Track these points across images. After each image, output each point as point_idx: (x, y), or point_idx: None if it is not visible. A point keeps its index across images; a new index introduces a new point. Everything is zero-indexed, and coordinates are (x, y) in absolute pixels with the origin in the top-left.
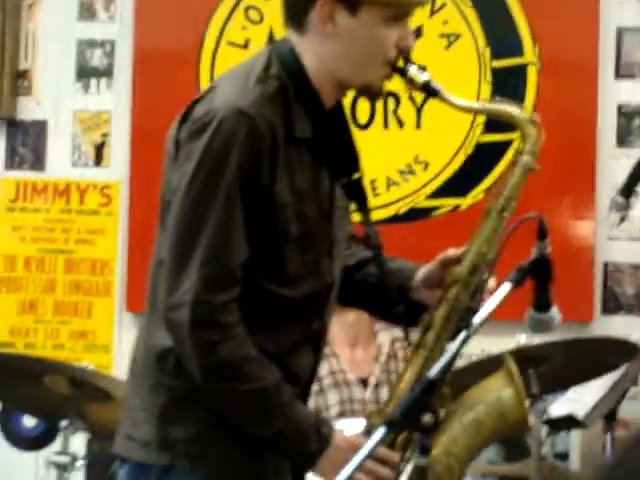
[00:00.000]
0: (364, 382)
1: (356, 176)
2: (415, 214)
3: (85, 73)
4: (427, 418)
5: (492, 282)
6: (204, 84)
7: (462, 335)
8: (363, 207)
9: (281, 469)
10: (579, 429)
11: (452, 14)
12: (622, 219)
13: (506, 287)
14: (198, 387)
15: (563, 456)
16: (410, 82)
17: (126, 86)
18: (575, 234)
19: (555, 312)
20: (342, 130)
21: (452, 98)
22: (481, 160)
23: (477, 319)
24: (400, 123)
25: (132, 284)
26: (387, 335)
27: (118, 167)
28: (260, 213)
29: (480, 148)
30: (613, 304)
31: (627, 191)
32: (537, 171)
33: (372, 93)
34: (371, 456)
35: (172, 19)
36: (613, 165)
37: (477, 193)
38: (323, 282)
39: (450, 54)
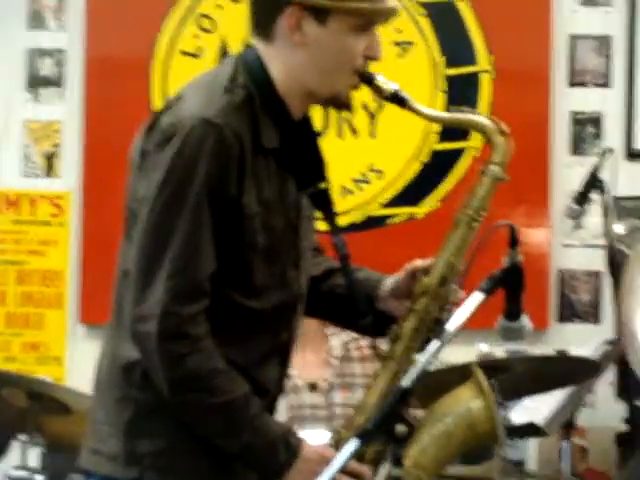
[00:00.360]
0: (313, 387)
1: (322, 186)
2: (370, 223)
3: (35, 82)
4: (400, 428)
5: (461, 293)
6: (156, 93)
7: (435, 344)
8: (330, 217)
9: None
10: (538, 437)
11: (405, 22)
12: (576, 226)
13: (478, 296)
14: (165, 400)
15: (519, 464)
16: (378, 91)
17: (77, 95)
18: (530, 242)
19: (526, 320)
20: (309, 140)
21: (420, 108)
22: (436, 168)
23: (450, 328)
24: (354, 132)
25: (85, 295)
26: (339, 338)
27: (69, 177)
28: (227, 224)
29: (435, 156)
30: (568, 312)
31: (582, 198)
32: (506, 181)
33: (339, 103)
34: (342, 470)
35: (123, 27)
36: (567, 173)
37: (432, 201)
38: (290, 293)
39: (404, 62)
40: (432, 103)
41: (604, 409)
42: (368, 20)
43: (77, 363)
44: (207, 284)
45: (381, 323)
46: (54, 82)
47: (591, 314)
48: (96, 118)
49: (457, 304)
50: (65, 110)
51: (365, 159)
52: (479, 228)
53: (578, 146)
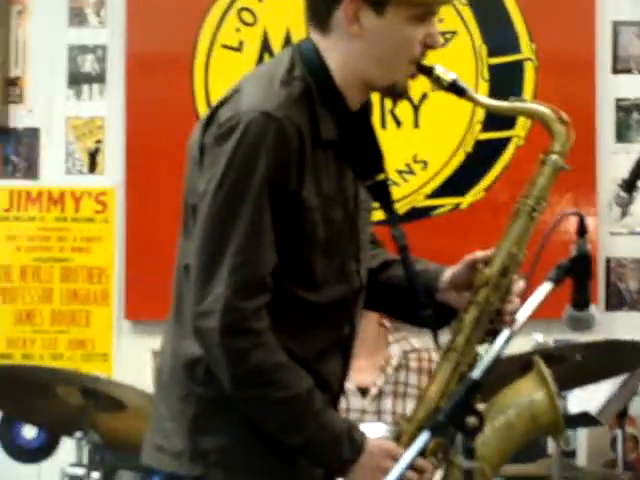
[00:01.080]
0: (363, 391)
1: (381, 177)
2: (415, 214)
3: (77, 79)
4: (472, 420)
5: (521, 284)
6: (198, 88)
7: (505, 334)
8: (389, 208)
9: (315, 477)
10: (592, 426)
11: (448, 12)
12: (623, 214)
13: (547, 286)
14: (229, 396)
15: (570, 454)
16: (437, 81)
17: (119, 92)
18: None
19: (593, 310)
20: (367, 131)
21: (479, 97)
22: (480, 158)
23: (521, 318)
24: (397, 122)
25: (130, 291)
26: (399, 347)
27: (113, 174)
28: (288, 217)
29: (479, 146)
30: (616, 300)
31: (630, 186)
32: (567, 170)
33: (397, 93)
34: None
35: (164, 23)
36: (613, 160)
37: (477, 191)
38: (350, 286)
39: (446, 52)
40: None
41: None
42: (425, 10)
43: (124, 359)
44: (269, 278)
45: (441, 315)
46: (96, 79)
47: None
48: (138, 114)
49: (518, 295)
50: (107, 106)
51: (409, 150)
52: (539, 218)
53: (624, 133)
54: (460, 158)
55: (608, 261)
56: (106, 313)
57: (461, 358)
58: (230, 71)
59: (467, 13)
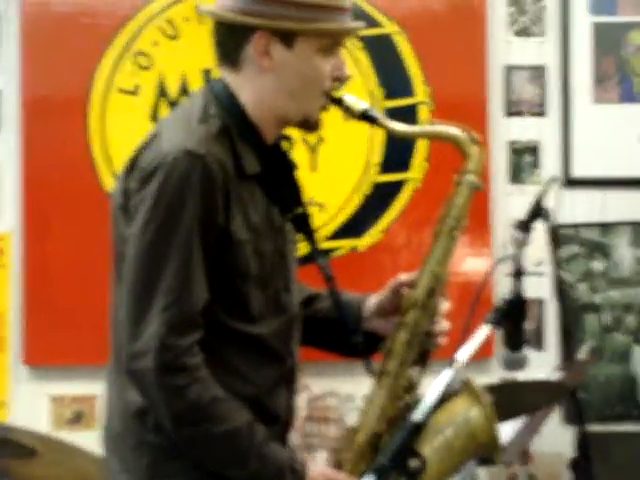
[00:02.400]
0: None
1: (301, 210)
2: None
3: None
4: (414, 463)
5: (446, 304)
6: (94, 132)
7: (446, 374)
8: (312, 240)
9: None
10: (490, 465)
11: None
12: (517, 255)
13: (486, 329)
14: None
15: None
16: (348, 111)
17: (14, 136)
18: (472, 270)
19: (526, 351)
20: (284, 165)
21: (391, 124)
22: (377, 201)
23: (461, 358)
24: (294, 165)
25: (28, 337)
26: (302, 397)
27: (9, 218)
28: (219, 252)
29: (376, 189)
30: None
31: (526, 227)
32: (481, 189)
33: (310, 125)
34: None
35: (59, 67)
36: (507, 202)
37: (374, 234)
38: (287, 317)
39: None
40: (371, 135)
41: (551, 435)
42: (333, 41)
43: (21, 405)
44: (200, 315)
45: (368, 343)
46: None
47: (535, 341)
48: (34, 159)
49: (444, 315)
50: (2, 151)
51: (306, 193)
52: (459, 236)
53: (517, 175)
54: (357, 200)
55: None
56: (2, 359)
57: (395, 382)
58: (126, 115)
59: (362, 57)
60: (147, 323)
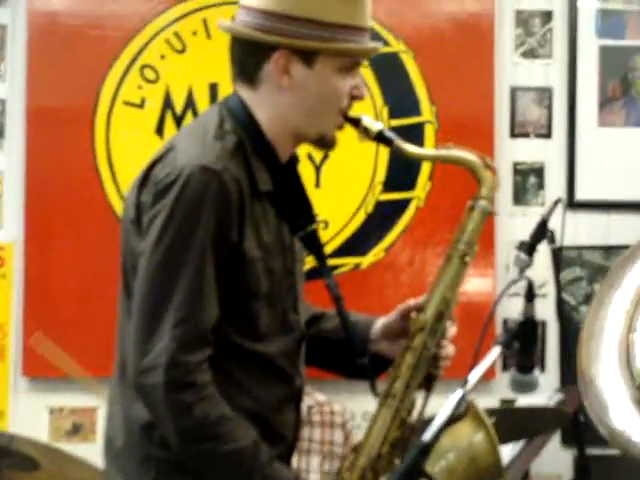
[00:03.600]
0: None
1: (312, 227)
2: (316, 273)
3: None
4: None
5: (453, 329)
6: (99, 143)
7: (456, 395)
8: (322, 258)
9: None
10: None
11: None
12: (520, 277)
13: (496, 350)
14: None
15: None
16: (364, 132)
17: (18, 146)
18: (475, 291)
19: (537, 373)
20: (296, 183)
21: (407, 146)
22: (381, 219)
23: (472, 380)
24: None
25: (28, 348)
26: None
27: (11, 228)
28: (230, 270)
29: (379, 207)
30: (514, 361)
31: (530, 248)
32: (494, 215)
33: (326, 143)
34: None
35: (65, 77)
36: (510, 223)
37: (377, 252)
38: (294, 337)
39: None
40: (376, 154)
41: (550, 457)
42: (352, 61)
43: (20, 416)
44: (210, 332)
45: (374, 365)
46: None
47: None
48: (38, 169)
49: (451, 340)
50: (6, 161)
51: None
52: (471, 262)
53: (521, 196)
54: (361, 218)
55: (505, 322)
56: (2, 369)
57: (400, 404)
58: (131, 128)
59: (369, 75)
60: (157, 338)
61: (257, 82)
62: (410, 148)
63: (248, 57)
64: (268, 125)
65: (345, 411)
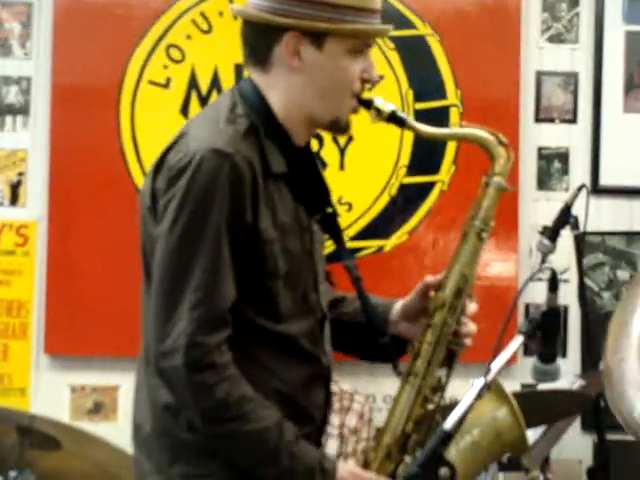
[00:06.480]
0: None
1: (329, 210)
2: (339, 256)
3: (0, 111)
4: (444, 472)
5: (473, 306)
6: (124, 123)
7: (478, 383)
8: (340, 241)
9: None
10: (510, 471)
11: (375, 56)
12: (544, 261)
13: (518, 339)
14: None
15: None
16: (377, 113)
17: (43, 124)
18: (498, 276)
19: (559, 362)
20: (312, 166)
21: (419, 126)
22: (404, 202)
23: (494, 368)
24: (323, 164)
25: (50, 325)
26: None
27: (35, 206)
28: (247, 251)
29: (403, 190)
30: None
31: (553, 233)
32: (509, 191)
33: (340, 127)
34: None
35: (91, 56)
36: (534, 208)
37: (400, 235)
38: (316, 317)
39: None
40: (400, 137)
41: (570, 442)
42: (363, 42)
43: (41, 394)
44: (228, 313)
45: (395, 346)
46: (20, 110)
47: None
48: (62, 147)
49: (471, 316)
50: (31, 139)
51: (334, 192)
52: (488, 238)
53: (545, 181)
54: (385, 201)
55: (527, 307)
56: (24, 347)
57: (423, 382)
58: (156, 107)
59: (394, 58)
60: (176, 321)
61: (269, 65)
62: (423, 127)
63: (259, 39)
64: (280, 108)
65: (366, 402)
